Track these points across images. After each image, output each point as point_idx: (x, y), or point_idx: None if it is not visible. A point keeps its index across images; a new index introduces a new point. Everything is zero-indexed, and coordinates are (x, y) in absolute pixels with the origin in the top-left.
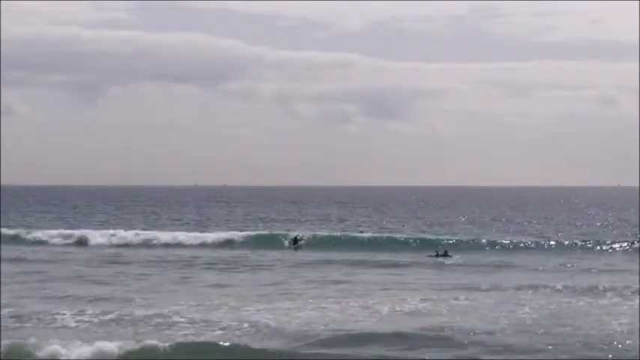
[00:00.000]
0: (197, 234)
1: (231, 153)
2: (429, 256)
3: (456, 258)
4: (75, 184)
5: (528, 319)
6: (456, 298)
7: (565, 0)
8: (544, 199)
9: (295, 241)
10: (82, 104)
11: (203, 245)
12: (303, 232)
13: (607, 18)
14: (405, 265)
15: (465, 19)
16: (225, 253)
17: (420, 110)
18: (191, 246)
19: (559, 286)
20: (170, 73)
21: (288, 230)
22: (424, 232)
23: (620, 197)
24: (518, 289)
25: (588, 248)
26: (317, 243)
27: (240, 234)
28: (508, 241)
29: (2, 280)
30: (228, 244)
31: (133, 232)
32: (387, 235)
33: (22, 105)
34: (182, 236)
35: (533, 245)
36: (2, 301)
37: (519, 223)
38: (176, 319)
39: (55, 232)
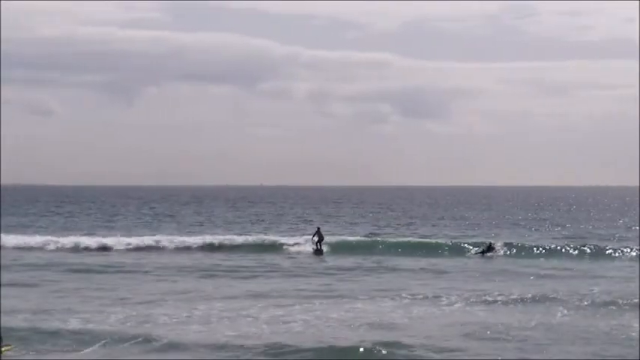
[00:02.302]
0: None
1: (264, 153)
2: (476, 252)
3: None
4: (109, 184)
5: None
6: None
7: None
8: (584, 199)
9: (318, 236)
10: (116, 104)
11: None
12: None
13: None
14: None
15: (498, 18)
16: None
17: (455, 110)
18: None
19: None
20: (203, 73)
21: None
22: (463, 232)
23: None
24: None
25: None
26: (344, 247)
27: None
28: (553, 245)
29: None
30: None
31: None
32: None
33: (56, 105)
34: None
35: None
36: None
37: (567, 225)
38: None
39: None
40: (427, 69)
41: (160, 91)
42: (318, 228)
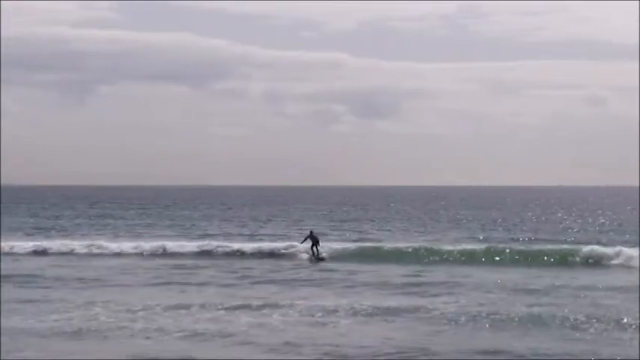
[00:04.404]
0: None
1: (220, 152)
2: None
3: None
4: (62, 184)
5: None
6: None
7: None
8: (541, 198)
9: (312, 239)
10: (70, 104)
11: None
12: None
13: (594, 17)
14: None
15: (453, 18)
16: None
17: (409, 110)
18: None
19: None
20: (158, 73)
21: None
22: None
23: (611, 197)
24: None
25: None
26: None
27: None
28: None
29: None
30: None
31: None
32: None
33: (10, 104)
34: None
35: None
36: None
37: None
38: None
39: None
40: (383, 69)
41: (115, 91)
42: (311, 231)
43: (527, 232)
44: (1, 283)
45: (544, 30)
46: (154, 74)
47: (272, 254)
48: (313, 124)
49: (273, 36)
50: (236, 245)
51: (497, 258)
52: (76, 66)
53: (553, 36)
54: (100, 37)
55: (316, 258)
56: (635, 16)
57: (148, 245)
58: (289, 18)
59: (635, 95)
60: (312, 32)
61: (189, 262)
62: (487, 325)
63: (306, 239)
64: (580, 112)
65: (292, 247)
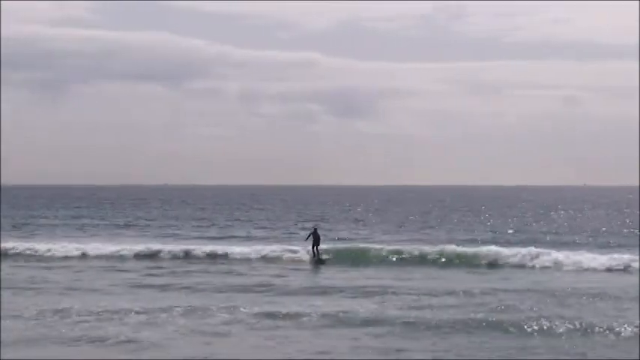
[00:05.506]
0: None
1: (196, 152)
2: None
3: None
4: (37, 183)
5: None
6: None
7: (529, 0)
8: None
9: (315, 238)
10: (46, 103)
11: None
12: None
13: (571, 18)
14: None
15: (430, 18)
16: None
17: (386, 110)
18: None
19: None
20: (134, 72)
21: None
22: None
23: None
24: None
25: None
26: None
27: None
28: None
29: None
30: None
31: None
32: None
33: None
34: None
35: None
36: None
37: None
38: None
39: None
40: (359, 69)
41: (92, 90)
42: (315, 229)
43: (487, 232)
44: None
45: (521, 30)
46: (131, 74)
47: (242, 257)
48: (290, 124)
49: (249, 36)
50: (203, 247)
51: (457, 261)
52: (52, 65)
53: (530, 36)
54: (75, 36)
55: (316, 259)
56: (611, 16)
57: (110, 248)
58: (265, 17)
59: (613, 95)
60: (288, 32)
61: (158, 263)
62: (422, 329)
63: (309, 236)
64: (558, 111)
65: (272, 250)
